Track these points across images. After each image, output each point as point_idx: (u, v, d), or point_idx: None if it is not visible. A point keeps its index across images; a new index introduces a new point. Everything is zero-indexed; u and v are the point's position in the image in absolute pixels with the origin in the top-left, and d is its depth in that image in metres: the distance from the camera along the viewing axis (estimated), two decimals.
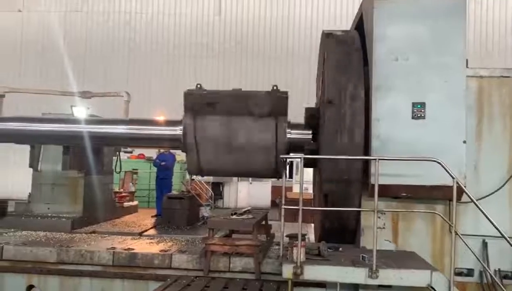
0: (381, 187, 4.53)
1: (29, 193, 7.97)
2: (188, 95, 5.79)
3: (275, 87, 5.69)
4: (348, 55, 5.38)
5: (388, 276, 4.31)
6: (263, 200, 17.71)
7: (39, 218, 7.46)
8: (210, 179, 18.04)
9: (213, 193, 16.98)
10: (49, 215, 7.55)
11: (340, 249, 5.08)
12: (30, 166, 7.96)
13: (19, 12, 19.48)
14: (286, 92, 5.72)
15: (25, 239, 6.31)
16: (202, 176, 6.70)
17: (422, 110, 5.01)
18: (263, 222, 6.40)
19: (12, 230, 6.98)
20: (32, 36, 18.99)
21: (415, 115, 5.02)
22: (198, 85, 5.83)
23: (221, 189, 18.71)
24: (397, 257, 4.79)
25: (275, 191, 17.56)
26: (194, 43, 19.18)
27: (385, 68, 5.08)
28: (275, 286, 5.03)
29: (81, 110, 9.21)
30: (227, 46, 19.12)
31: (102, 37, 19.08)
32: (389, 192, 4.99)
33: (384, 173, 4.70)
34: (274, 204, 16.62)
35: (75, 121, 7.35)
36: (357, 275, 4.35)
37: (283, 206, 4.78)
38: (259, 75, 18.26)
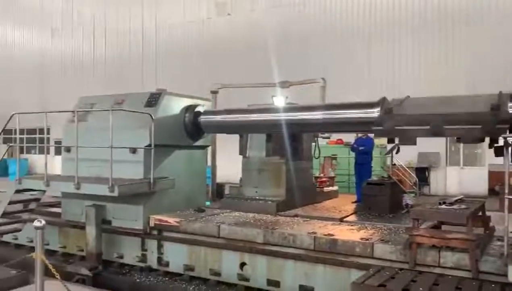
0: None
1: (240, 178, 8.78)
2: None
3: None
4: None
5: None
6: (477, 187, 15.71)
7: (248, 200, 8.13)
8: (414, 163, 16.92)
9: (417, 179, 15.82)
10: (257, 198, 8.14)
11: None
12: (240, 153, 8.76)
13: (228, 16, 21.84)
14: None
15: (237, 219, 6.91)
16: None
17: None
18: (480, 213, 5.53)
19: (228, 210, 7.77)
20: (239, 35, 21.05)
21: None
22: None
23: (427, 175, 17.32)
24: None
25: (493, 176, 15.35)
26: (391, 21, 18.16)
27: None
28: (497, 289, 4.28)
29: (280, 100, 9.67)
30: (426, 20, 17.47)
31: (300, 26, 19.76)
32: None
33: None
34: (493, 192, 14.55)
35: (276, 110, 7.74)
36: None
37: (507, 196, 3.98)
38: (465, 46, 16.19)
